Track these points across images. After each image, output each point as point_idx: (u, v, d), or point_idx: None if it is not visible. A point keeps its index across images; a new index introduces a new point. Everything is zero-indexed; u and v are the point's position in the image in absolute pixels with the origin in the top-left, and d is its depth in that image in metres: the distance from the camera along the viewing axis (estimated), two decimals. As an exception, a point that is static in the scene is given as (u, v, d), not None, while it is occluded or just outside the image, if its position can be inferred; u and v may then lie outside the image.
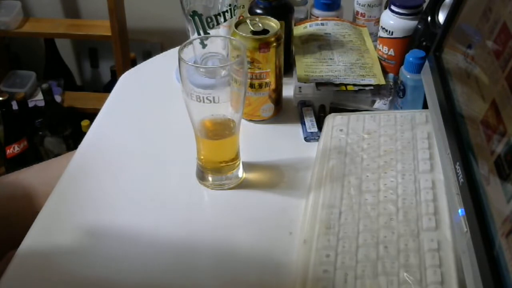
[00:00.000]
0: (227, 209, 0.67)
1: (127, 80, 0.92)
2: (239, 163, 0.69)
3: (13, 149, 1.69)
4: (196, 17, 0.74)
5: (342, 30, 0.89)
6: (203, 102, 0.61)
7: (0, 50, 1.99)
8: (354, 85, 0.79)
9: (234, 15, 0.76)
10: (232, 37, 0.69)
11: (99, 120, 0.82)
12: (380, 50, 0.84)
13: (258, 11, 0.81)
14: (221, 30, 0.76)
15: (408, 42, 0.80)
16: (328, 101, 0.80)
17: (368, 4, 0.89)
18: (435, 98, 0.65)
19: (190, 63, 0.60)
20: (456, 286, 0.52)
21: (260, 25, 0.73)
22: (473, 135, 0.55)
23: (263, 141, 0.76)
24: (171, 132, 0.77)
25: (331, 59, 0.83)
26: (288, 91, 0.81)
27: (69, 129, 1.79)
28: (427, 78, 0.69)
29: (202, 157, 0.68)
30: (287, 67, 0.82)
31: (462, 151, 0.55)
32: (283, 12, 0.81)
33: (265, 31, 0.72)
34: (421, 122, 0.71)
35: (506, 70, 0.48)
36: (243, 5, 0.84)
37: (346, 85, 0.79)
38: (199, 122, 0.65)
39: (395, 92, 0.79)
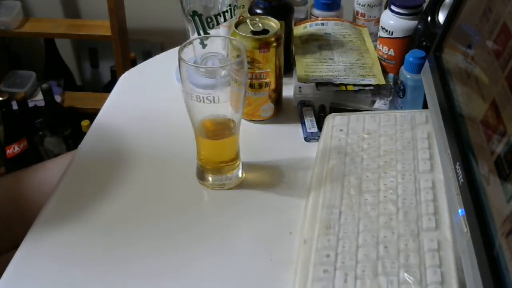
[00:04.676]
0: (227, 209, 0.67)
1: (127, 80, 0.92)
2: (239, 163, 0.69)
3: (13, 149, 1.69)
4: (196, 17, 0.74)
5: (342, 30, 0.89)
6: (203, 102, 0.61)
7: (0, 50, 1.99)
8: (354, 85, 0.79)
9: (234, 15, 0.76)
10: (232, 37, 0.69)
11: (99, 120, 0.82)
12: (380, 50, 0.84)
13: (258, 11, 0.81)
14: (221, 30, 0.76)
15: (408, 42, 0.80)
16: (328, 101, 0.80)
17: (368, 4, 0.89)
18: (435, 98, 0.65)
19: (190, 63, 0.60)
20: (456, 286, 0.52)
21: (260, 25, 0.73)
22: (473, 135, 0.55)
23: (263, 141, 0.76)
24: (171, 132, 0.77)
25: (331, 59, 0.83)
26: (288, 91, 0.81)
27: (69, 129, 1.78)
28: (427, 78, 0.69)
29: (202, 157, 0.68)
30: (287, 67, 0.82)
31: (462, 151, 0.55)
32: (283, 12, 0.81)
33: (265, 31, 0.72)
34: (421, 122, 0.71)
35: (506, 70, 0.48)
36: (243, 5, 0.84)
37: (346, 85, 0.79)
38: (199, 122, 0.65)
39: (395, 92, 0.79)
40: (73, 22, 1.87)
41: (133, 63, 1.81)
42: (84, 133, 0.81)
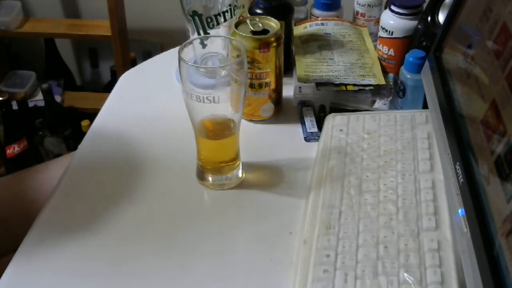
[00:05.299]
0: (227, 209, 0.67)
1: (127, 80, 0.92)
2: (239, 163, 0.69)
3: (13, 149, 1.69)
4: (196, 17, 0.74)
5: (342, 30, 0.89)
6: (203, 102, 0.61)
7: (0, 50, 1.99)
8: (354, 85, 0.79)
9: (234, 15, 0.76)
10: (232, 37, 0.69)
11: (99, 120, 0.82)
12: (380, 50, 0.84)
13: (258, 11, 0.81)
14: (221, 30, 0.76)
15: (408, 42, 0.80)
16: (328, 101, 0.80)
17: (368, 4, 0.89)
18: (435, 98, 0.65)
19: (190, 63, 0.60)
20: (456, 286, 0.52)
21: (260, 25, 0.73)
22: (473, 135, 0.55)
23: (263, 141, 0.76)
24: (171, 132, 0.77)
25: (331, 59, 0.83)
26: (288, 91, 0.81)
27: (69, 129, 1.78)
28: (427, 78, 0.69)
29: (202, 157, 0.68)
30: (287, 67, 0.82)
31: (462, 151, 0.55)
32: (283, 12, 0.81)
33: (265, 31, 0.72)
34: (421, 122, 0.71)
35: (506, 70, 0.48)
36: (243, 5, 0.84)
37: (346, 85, 0.79)
38: (199, 122, 0.65)
39: (395, 92, 0.79)
40: (73, 22, 1.87)
41: (133, 63, 1.81)
42: (84, 133, 0.80)
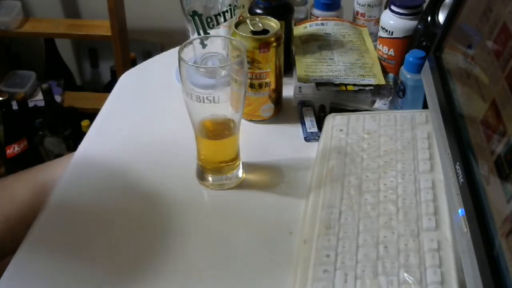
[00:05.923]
0: (227, 209, 0.67)
1: (127, 80, 0.92)
2: (239, 163, 0.69)
3: (13, 149, 1.69)
4: (196, 17, 0.74)
5: (342, 30, 0.89)
6: (203, 102, 0.61)
7: (0, 50, 1.99)
8: (354, 85, 0.79)
9: (234, 15, 0.76)
10: (232, 37, 0.69)
11: (99, 120, 0.82)
12: (380, 50, 0.84)
13: (258, 11, 0.81)
14: (221, 30, 0.76)
15: (408, 42, 0.80)
16: (328, 101, 0.80)
17: (368, 4, 0.89)
18: (435, 98, 0.65)
19: (190, 63, 0.60)
20: (456, 286, 0.52)
21: (260, 25, 0.73)
22: (473, 135, 0.55)
23: (263, 141, 0.76)
24: (171, 132, 0.77)
25: (331, 59, 0.83)
26: (288, 91, 0.81)
27: (69, 129, 1.79)
28: (427, 78, 0.69)
29: (202, 157, 0.68)
30: (287, 67, 0.82)
31: (462, 151, 0.55)
32: (283, 12, 0.81)
33: (265, 31, 0.72)
34: (421, 122, 0.71)
35: (506, 70, 0.48)
36: (243, 5, 0.84)
37: (346, 85, 0.79)
38: (199, 122, 0.65)
39: (395, 92, 0.79)
40: (73, 22, 1.87)
41: (133, 63, 1.81)
42: (84, 133, 0.81)
